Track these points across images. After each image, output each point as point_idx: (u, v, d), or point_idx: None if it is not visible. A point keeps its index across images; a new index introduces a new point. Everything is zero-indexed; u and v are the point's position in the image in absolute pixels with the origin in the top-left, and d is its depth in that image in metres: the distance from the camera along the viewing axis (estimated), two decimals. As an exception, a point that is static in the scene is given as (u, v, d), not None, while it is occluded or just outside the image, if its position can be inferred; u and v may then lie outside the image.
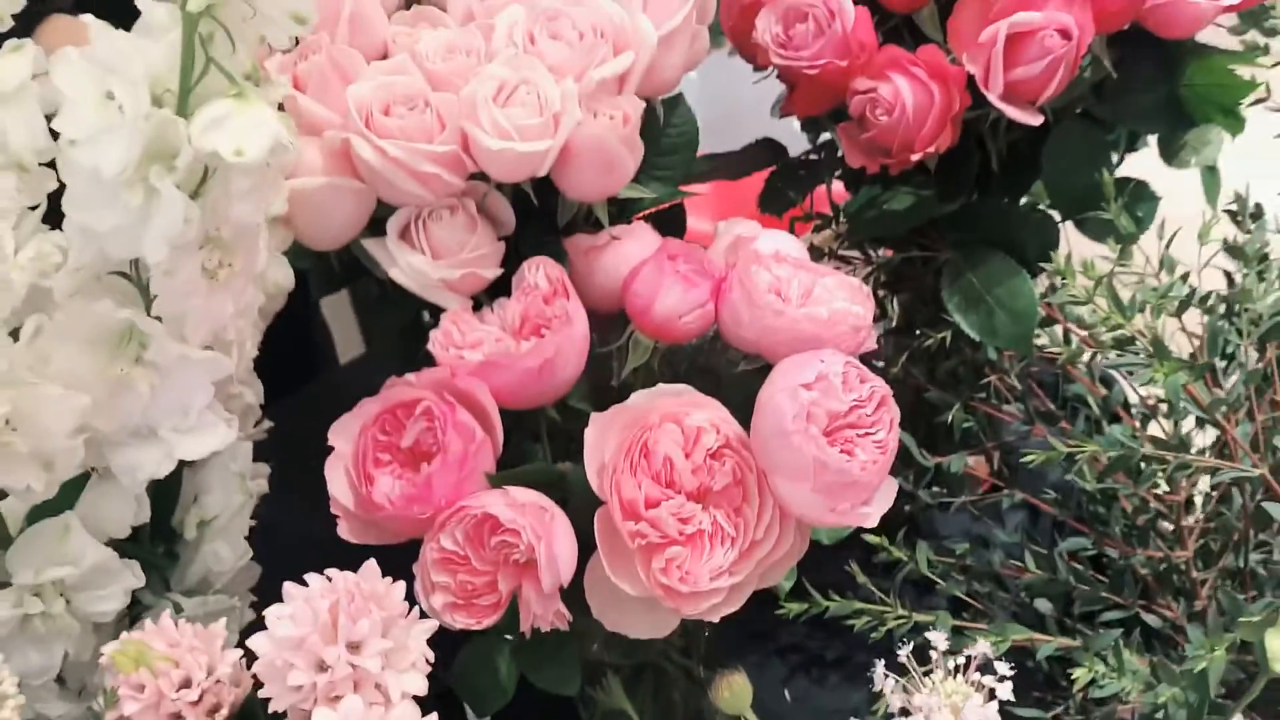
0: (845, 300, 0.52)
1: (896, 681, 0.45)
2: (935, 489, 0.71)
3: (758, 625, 0.79)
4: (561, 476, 0.50)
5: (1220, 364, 0.59)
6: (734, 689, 0.46)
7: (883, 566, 0.64)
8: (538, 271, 0.52)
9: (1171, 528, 0.64)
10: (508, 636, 0.51)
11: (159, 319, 0.40)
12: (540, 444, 0.53)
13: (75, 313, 0.39)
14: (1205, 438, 0.62)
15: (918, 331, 0.70)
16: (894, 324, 0.76)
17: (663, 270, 0.53)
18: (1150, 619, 0.63)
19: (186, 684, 0.38)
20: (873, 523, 0.46)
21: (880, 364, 0.74)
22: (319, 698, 0.38)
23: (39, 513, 0.42)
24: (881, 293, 0.76)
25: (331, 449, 0.49)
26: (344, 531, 0.48)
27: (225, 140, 0.36)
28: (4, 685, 0.34)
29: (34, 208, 0.44)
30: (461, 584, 0.45)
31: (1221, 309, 0.59)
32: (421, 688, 0.39)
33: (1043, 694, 0.63)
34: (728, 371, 0.56)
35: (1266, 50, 0.64)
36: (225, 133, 0.36)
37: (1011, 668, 0.43)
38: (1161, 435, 0.60)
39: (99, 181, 0.36)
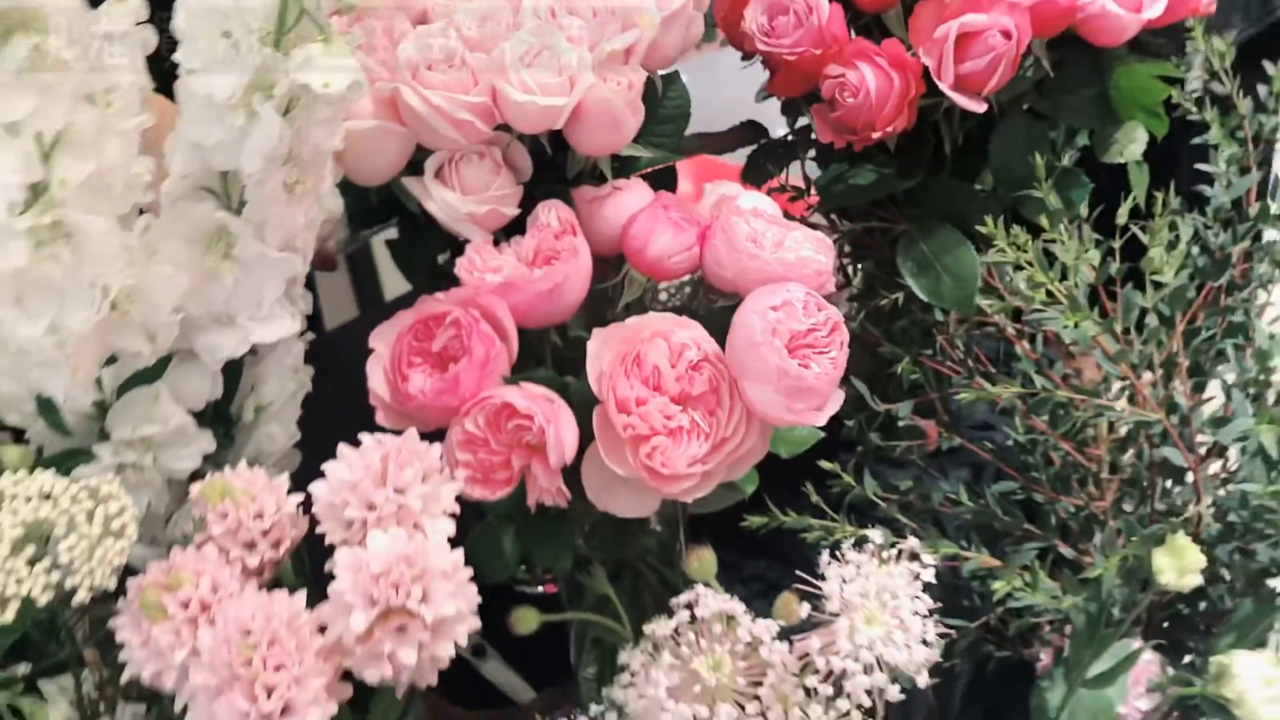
0: (811, 249, 0.61)
1: (838, 562, 0.54)
2: (882, 438, 0.80)
3: (724, 557, 0.88)
4: (564, 385, 0.59)
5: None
6: (701, 560, 0.55)
7: (834, 501, 0.73)
8: (550, 213, 0.61)
9: (1093, 479, 0.73)
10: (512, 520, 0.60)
11: (246, 222, 0.49)
12: (544, 366, 0.62)
13: (179, 213, 0.48)
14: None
15: (878, 294, 0.80)
16: (855, 289, 0.86)
17: (656, 217, 0.62)
18: (1066, 551, 0.73)
19: (259, 515, 0.47)
20: (821, 422, 0.55)
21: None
22: (367, 532, 0.46)
23: (132, 382, 0.51)
24: (845, 260, 0.86)
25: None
26: (381, 419, 0.56)
27: (316, 76, 0.45)
28: (123, 499, 0.43)
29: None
30: (480, 461, 0.54)
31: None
32: (450, 531, 0.48)
33: (970, 604, 0.72)
34: (707, 309, 0.66)
35: (1184, 59, 0.74)
36: (316, 70, 0.45)
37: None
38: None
39: (210, 104, 0.45)
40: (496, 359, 0.56)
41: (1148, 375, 0.66)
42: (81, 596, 0.40)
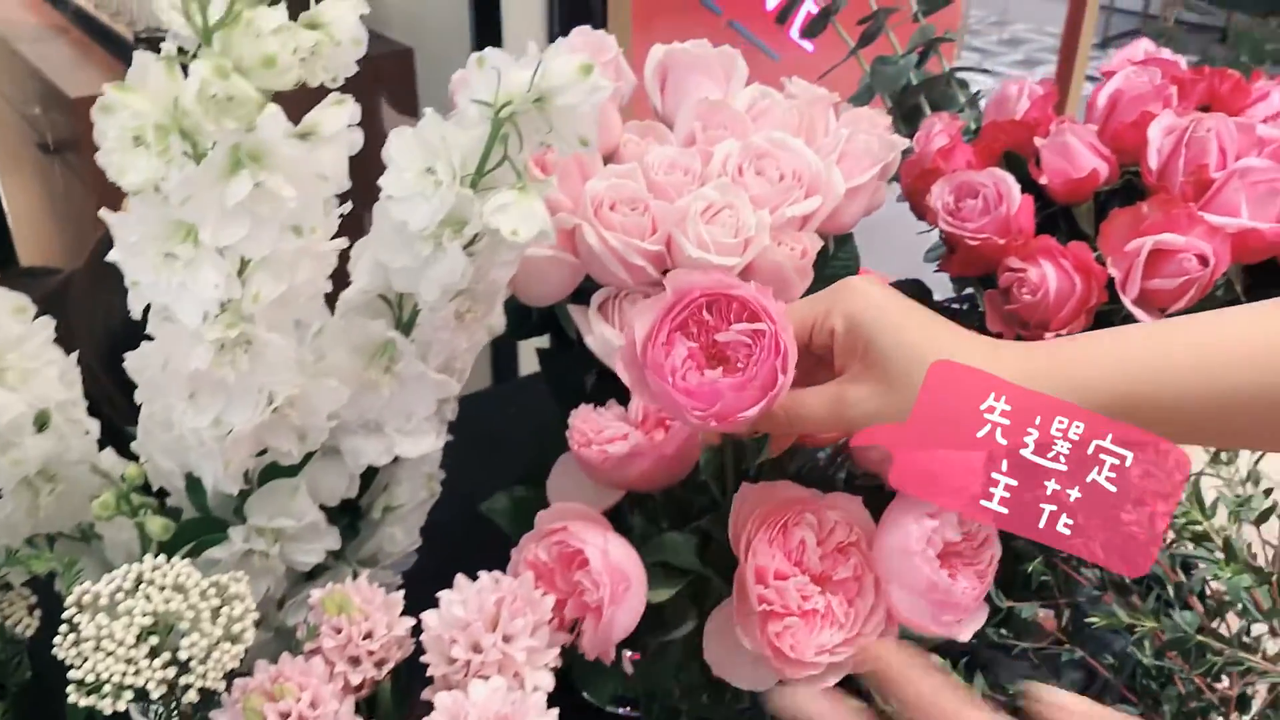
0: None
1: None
2: (1003, 632, 0.77)
3: None
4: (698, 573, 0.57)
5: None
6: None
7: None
8: None
9: (1220, 713, 0.68)
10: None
11: (412, 341, 0.50)
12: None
13: (351, 324, 0.49)
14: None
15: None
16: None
17: (812, 383, 0.61)
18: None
19: (369, 635, 0.47)
20: (965, 637, 0.53)
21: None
22: (469, 674, 0.46)
23: (272, 473, 0.53)
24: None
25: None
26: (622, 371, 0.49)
27: (506, 221, 0.46)
28: (248, 600, 0.43)
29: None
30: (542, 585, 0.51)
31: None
32: (549, 684, 0.47)
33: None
34: (845, 484, 0.64)
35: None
36: (508, 216, 0.46)
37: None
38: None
39: (402, 231, 0.46)
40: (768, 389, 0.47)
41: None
42: (191, 696, 0.41)
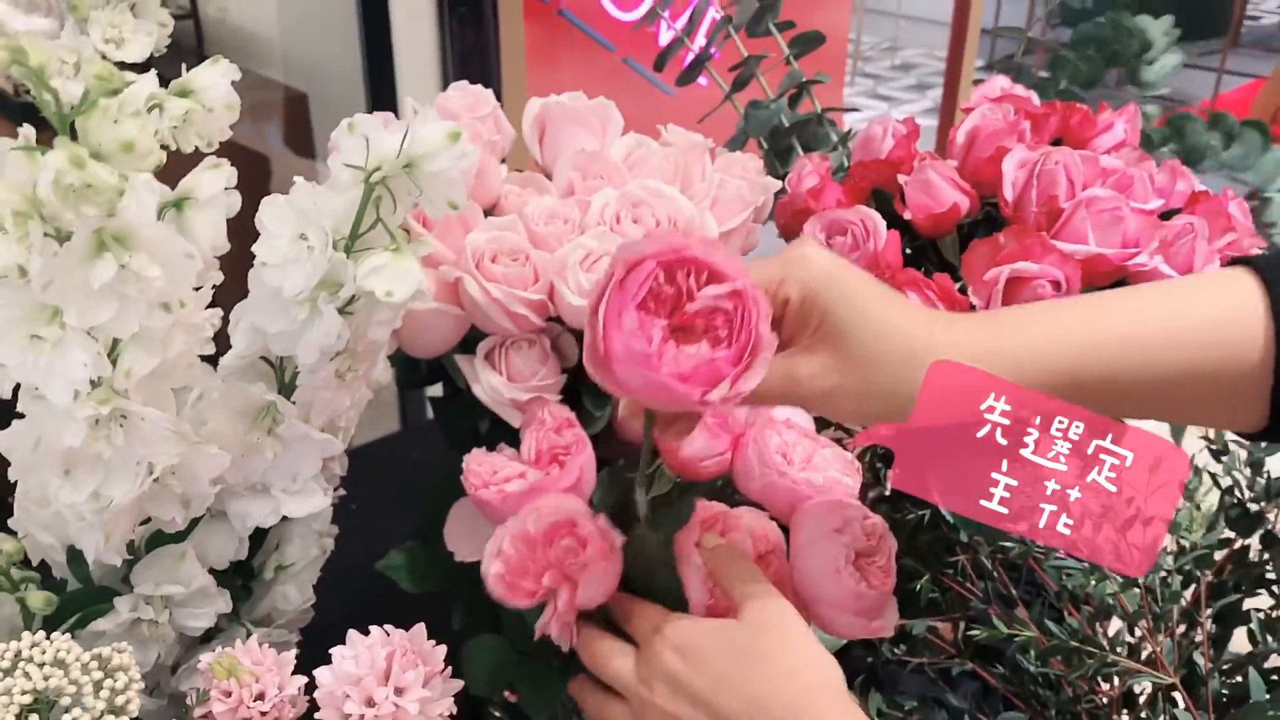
0: (838, 470, 0.62)
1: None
2: (898, 649, 0.80)
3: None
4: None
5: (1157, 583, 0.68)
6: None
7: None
8: (544, 410, 0.61)
9: (1104, 715, 0.72)
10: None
11: (294, 403, 0.51)
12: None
13: (232, 388, 0.50)
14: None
15: (906, 505, 0.80)
16: (885, 492, 0.86)
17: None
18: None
19: (260, 697, 0.48)
20: (889, 633, 0.55)
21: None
22: (363, 728, 0.47)
23: (159, 539, 0.53)
24: (879, 464, 0.86)
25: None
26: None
27: (381, 283, 0.47)
28: (131, 671, 0.43)
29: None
30: (519, 562, 0.51)
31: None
32: (444, 734, 0.48)
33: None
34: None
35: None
36: (382, 277, 0.47)
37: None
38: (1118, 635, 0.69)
39: (278, 297, 0.47)
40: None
41: (1164, 638, 0.66)
42: (73, 772, 0.41)
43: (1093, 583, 0.61)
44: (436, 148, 0.46)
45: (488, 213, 0.65)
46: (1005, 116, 0.75)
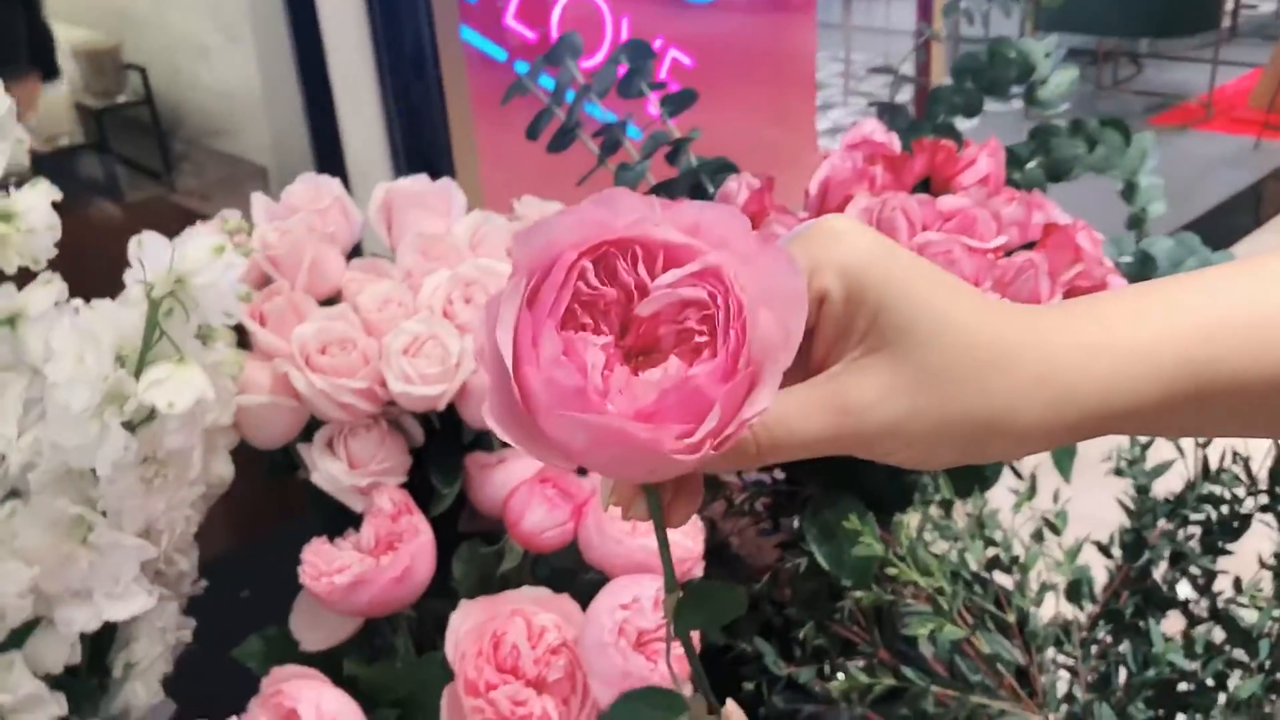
0: (679, 534, 0.63)
1: None
2: (788, 694, 0.80)
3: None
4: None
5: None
6: None
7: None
8: (383, 496, 0.63)
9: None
10: None
11: (104, 513, 0.53)
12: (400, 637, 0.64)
13: (42, 503, 0.52)
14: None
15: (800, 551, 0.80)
16: (784, 539, 0.87)
17: (533, 492, 0.65)
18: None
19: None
20: None
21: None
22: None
23: (-7, 648, 0.54)
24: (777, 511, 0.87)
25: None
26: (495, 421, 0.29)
27: (161, 395, 0.49)
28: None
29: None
30: None
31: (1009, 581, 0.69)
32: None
33: None
34: (581, 578, 0.67)
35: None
36: (162, 390, 0.49)
37: None
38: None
39: (69, 413, 0.49)
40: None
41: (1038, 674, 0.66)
42: None
43: (937, 628, 0.61)
44: (203, 262, 0.48)
45: (329, 302, 0.67)
46: (854, 165, 0.76)
